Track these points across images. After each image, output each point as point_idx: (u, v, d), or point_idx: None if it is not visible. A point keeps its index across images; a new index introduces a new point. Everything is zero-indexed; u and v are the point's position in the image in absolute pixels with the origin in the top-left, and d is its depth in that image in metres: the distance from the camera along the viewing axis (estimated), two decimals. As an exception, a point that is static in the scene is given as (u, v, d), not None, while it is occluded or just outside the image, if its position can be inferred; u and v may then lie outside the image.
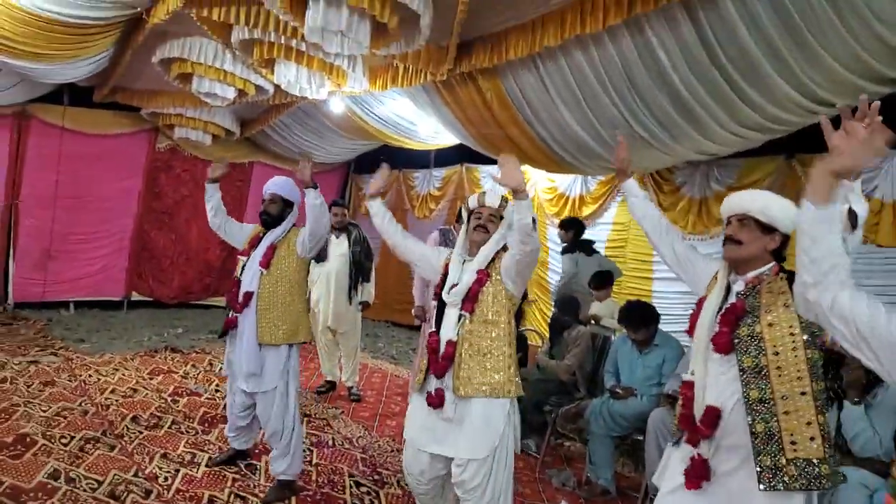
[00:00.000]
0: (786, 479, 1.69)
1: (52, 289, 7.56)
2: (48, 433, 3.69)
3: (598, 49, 3.94)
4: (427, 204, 8.56)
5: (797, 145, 4.54)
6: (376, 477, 3.61)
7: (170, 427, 4.06)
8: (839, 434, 2.85)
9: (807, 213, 1.39)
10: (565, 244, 5.62)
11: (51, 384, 4.66)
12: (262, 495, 3.23)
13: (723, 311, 1.90)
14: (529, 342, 5.31)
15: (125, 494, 3.06)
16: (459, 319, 2.40)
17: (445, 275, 2.52)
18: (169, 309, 8.42)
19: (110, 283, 8.09)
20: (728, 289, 1.95)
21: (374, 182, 2.82)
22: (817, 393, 1.74)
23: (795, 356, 1.74)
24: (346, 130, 7.52)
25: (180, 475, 3.35)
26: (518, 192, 2.20)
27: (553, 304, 5.73)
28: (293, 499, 3.23)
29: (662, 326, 3.72)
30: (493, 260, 2.47)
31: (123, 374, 5.18)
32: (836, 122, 1.41)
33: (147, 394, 4.71)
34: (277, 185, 3.42)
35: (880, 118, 1.35)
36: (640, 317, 3.67)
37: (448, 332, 2.41)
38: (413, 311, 4.74)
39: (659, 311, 3.76)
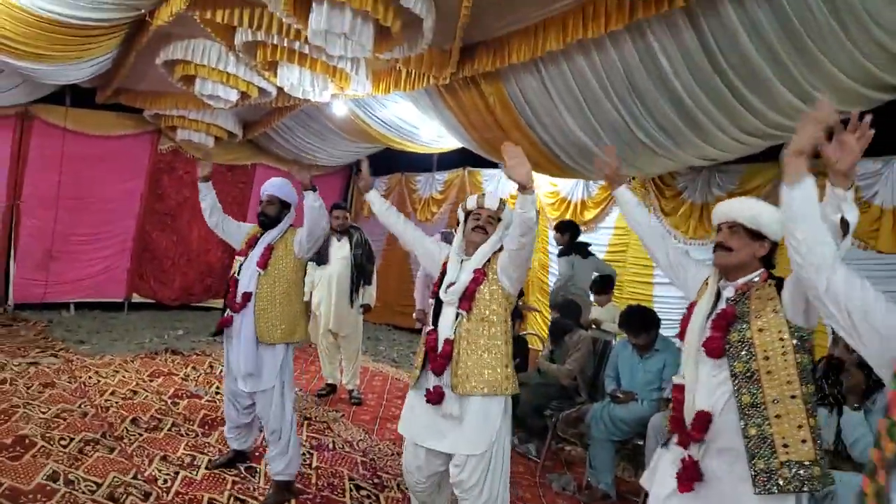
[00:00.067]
0: (780, 481, 1.72)
1: (52, 290, 7.57)
2: (47, 435, 3.68)
3: (600, 54, 3.95)
4: (429, 207, 8.57)
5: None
6: (376, 480, 3.60)
7: (170, 429, 4.05)
8: (839, 439, 2.84)
9: (785, 196, 1.49)
10: (561, 247, 5.63)
11: (51, 386, 4.66)
12: (261, 498, 3.23)
13: (714, 316, 1.94)
14: (530, 346, 5.30)
15: (124, 497, 3.05)
16: (457, 318, 2.44)
17: (443, 274, 2.55)
18: (170, 311, 8.43)
19: (111, 285, 8.10)
20: (718, 294, 1.99)
21: (363, 177, 2.91)
22: (807, 396, 1.77)
23: (785, 360, 1.77)
24: (348, 133, 7.53)
25: (180, 477, 3.35)
26: (525, 188, 2.21)
27: (549, 306, 5.73)
28: (293, 501, 3.23)
29: (663, 331, 3.72)
30: (489, 260, 2.49)
31: (123, 376, 5.18)
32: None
33: (147, 396, 4.71)
34: (275, 186, 3.44)
35: (872, 131, 1.44)
36: (641, 321, 3.66)
37: (446, 330, 2.45)
38: (414, 314, 4.75)
39: (660, 316, 3.75)
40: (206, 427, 4.17)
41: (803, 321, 1.79)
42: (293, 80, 4.86)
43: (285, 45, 4.52)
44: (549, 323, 5.77)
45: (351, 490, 3.44)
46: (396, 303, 8.52)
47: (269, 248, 3.32)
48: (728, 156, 4.53)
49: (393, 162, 8.92)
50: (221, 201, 3.66)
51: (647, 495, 2.11)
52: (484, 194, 2.62)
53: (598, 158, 2.46)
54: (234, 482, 3.38)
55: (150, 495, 3.10)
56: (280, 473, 3.25)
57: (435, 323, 2.52)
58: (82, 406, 4.29)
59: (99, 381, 4.94)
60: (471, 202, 2.62)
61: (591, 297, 5.40)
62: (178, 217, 8.46)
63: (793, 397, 1.75)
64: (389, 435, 4.38)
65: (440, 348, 2.43)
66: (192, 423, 4.23)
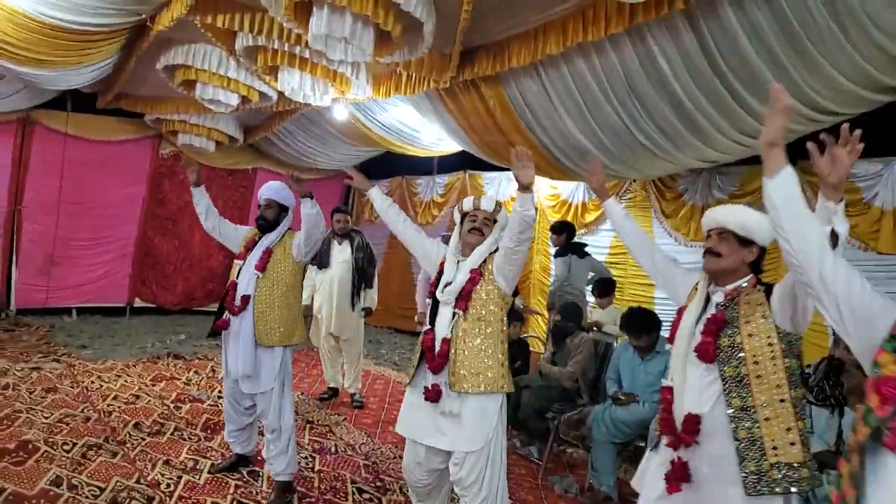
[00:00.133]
0: (769, 482, 1.76)
1: (54, 295, 7.57)
2: (50, 440, 3.69)
3: (599, 57, 3.96)
4: (430, 210, 8.58)
5: (798, 153, 4.54)
6: (378, 483, 3.60)
7: (172, 434, 4.06)
8: (841, 440, 2.85)
9: (767, 188, 1.51)
10: (557, 248, 5.64)
11: (53, 391, 4.66)
12: (264, 502, 3.23)
13: (704, 321, 1.98)
14: (531, 349, 5.31)
15: (127, 501, 3.05)
16: (453, 317, 2.48)
17: (440, 274, 2.60)
18: (172, 315, 8.43)
19: (113, 290, 8.11)
20: (707, 299, 2.04)
21: (357, 181, 2.98)
22: (795, 400, 1.81)
23: (774, 365, 1.82)
24: (349, 137, 7.55)
25: (183, 482, 3.35)
26: (527, 188, 2.27)
27: (547, 307, 5.75)
28: (294, 501, 3.26)
29: (664, 333, 3.72)
30: (485, 260, 2.54)
31: (126, 381, 5.18)
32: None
33: (149, 400, 4.72)
34: (273, 190, 3.46)
35: (862, 145, 1.47)
36: (642, 323, 3.67)
37: (443, 329, 2.50)
38: (416, 317, 4.75)
39: (661, 318, 3.76)
40: (209, 431, 4.18)
41: (791, 326, 1.83)
42: (294, 84, 4.88)
43: (286, 49, 4.53)
44: (547, 324, 5.80)
45: (353, 493, 3.44)
46: (398, 306, 8.52)
47: (268, 252, 3.35)
48: (728, 158, 4.53)
49: (394, 165, 8.94)
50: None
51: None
52: (480, 196, 2.67)
53: (585, 172, 2.52)
54: (236, 486, 3.38)
55: (153, 500, 3.10)
56: (281, 474, 3.28)
57: (432, 322, 2.57)
58: (85, 411, 4.29)
59: (101, 386, 4.94)
60: (467, 204, 2.66)
61: (593, 300, 5.41)
62: (180, 222, 8.47)
63: (781, 401, 1.80)
64: (391, 438, 4.38)
65: (437, 348, 2.48)
66: (194, 427, 4.23)
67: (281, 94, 5.50)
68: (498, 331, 2.50)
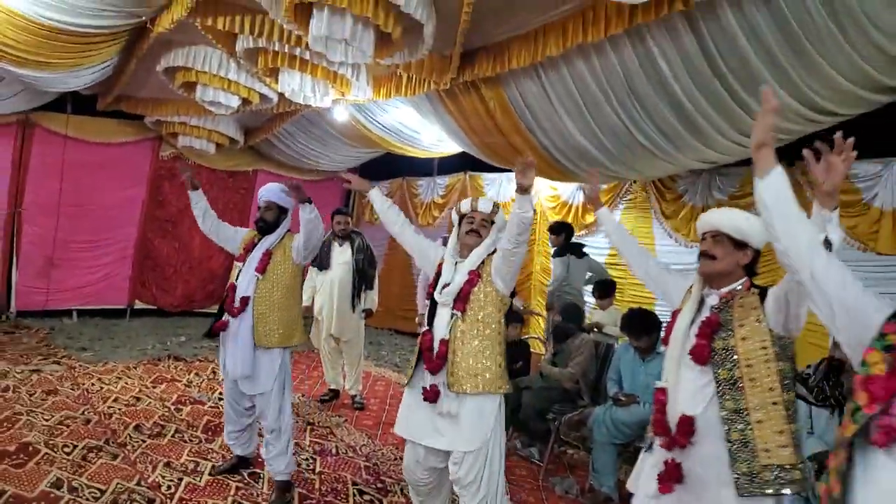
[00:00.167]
0: (761, 484, 1.78)
1: (54, 297, 7.57)
2: (51, 442, 3.68)
3: (599, 58, 3.97)
4: (430, 212, 8.58)
5: (798, 153, 4.53)
6: (379, 485, 3.60)
7: (173, 436, 4.05)
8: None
9: (758, 188, 1.54)
10: (555, 248, 5.65)
11: (53, 393, 4.66)
12: (265, 504, 3.24)
13: (699, 323, 1.99)
14: (532, 350, 5.31)
15: (128, 503, 3.05)
16: (452, 318, 2.51)
17: (438, 275, 2.62)
18: (172, 317, 8.42)
19: (113, 292, 8.10)
20: (701, 302, 2.06)
21: (355, 183, 3.02)
22: (788, 403, 1.83)
23: (767, 368, 1.83)
24: (349, 139, 7.55)
25: (183, 484, 3.35)
26: (526, 191, 2.33)
27: (546, 307, 5.76)
28: (295, 499, 3.29)
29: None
30: (483, 262, 2.56)
31: (126, 383, 5.18)
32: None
33: (150, 402, 4.71)
34: (272, 192, 3.47)
35: (855, 153, 1.49)
36: (642, 324, 3.67)
37: (441, 330, 2.52)
38: (417, 319, 4.74)
39: (661, 319, 3.75)
40: (210, 433, 4.17)
41: (784, 330, 1.85)
42: (294, 85, 4.88)
43: (286, 51, 4.54)
44: (546, 324, 5.80)
45: (354, 495, 3.44)
46: (398, 307, 8.52)
47: (268, 254, 3.36)
48: (728, 159, 4.54)
49: (394, 167, 8.95)
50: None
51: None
52: (478, 198, 2.70)
53: (584, 183, 2.62)
54: (237, 488, 3.38)
55: (153, 502, 3.10)
56: (280, 473, 3.31)
57: (430, 323, 2.59)
58: (85, 413, 4.29)
59: (102, 388, 4.94)
60: (465, 205, 2.69)
61: (594, 301, 5.41)
62: (180, 224, 8.46)
63: (774, 404, 1.82)
64: (392, 439, 4.37)
65: (436, 349, 2.50)
66: (195, 429, 4.23)
67: (281, 95, 5.51)
68: (496, 332, 2.53)
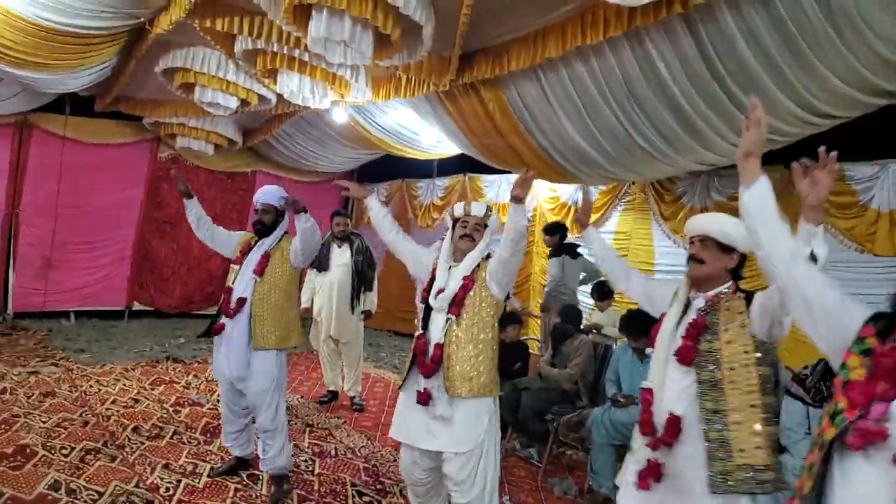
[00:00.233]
0: (733, 483, 1.82)
1: (52, 298, 7.55)
2: (48, 444, 3.68)
3: (598, 60, 3.98)
4: (430, 213, 8.58)
5: (796, 156, 4.55)
6: (378, 486, 3.60)
7: (171, 437, 4.05)
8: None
9: (744, 197, 1.58)
10: (550, 248, 5.66)
11: (51, 395, 4.65)
12: (264, 505, 3.24)
13: (685, 325, 2.04)
14: (531, 351, 5.31)
15: (127, 505, 3.05)
16: (447, 322, 2.53)
17: (432, 279, 2.65)
18: (170, 319, 8.41)
19: (111, 293, 8.09)
20: (688, 304, 2.11)
21: (355, 189, 3.07)
22: (766, 406, 1.87)
23: (748, 372, 1.88)
24: (348, 140, 7.55)
25: (182, 486, 3.34)
26: (521, 201, 2.39)
27: (541, 308, 5.77)
28: (293, 491, 3.35)
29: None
30: (478, 266, 2.60)
31: (124, 385, 5.17)
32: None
33: (148, 404, 4.70)
34: (269, 194, 3.48)
35: (838, 166, 1.53)
36: (641, 325, 3.66)
37: (436, 334, 2.56)
38: (416, 320, 4.73)
39: (659, 321, 3.76)
40: (208, 435, 4.17)
41: (768, 337, 1.89)
42: (293, 87, 4.88)
43: (285, 52, 4.54)
44: (542, 326, 5.80)
45: (353, 496, 3.44)
46: (398, 309, 8.51)
47: (266, 256, 3.37)
48: (726, 161, 4.55)
49: (393, 168, 8.95)
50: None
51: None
52: (471, 202, 2.74)
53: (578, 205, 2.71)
54: (236, 489, 3.37)
55: (152, 503, 3.11)
56: (278, 468, 3.35)
57: (424, 327, 2.62)
58: (83, 415, 4.28)
59: (100, 390, 4.93)
60: (458, 209, 2.72)
61: (592, 302, 5.42)
62: (178, 225, 8.43)
63: (752, 406, 1.86)
64: (391, 441, 4.36)
65: (430, 352, 2.54)
66: (193, 431, 4.22)
67: (280, 96, 5.51)
68: (490, 336, 2.56)
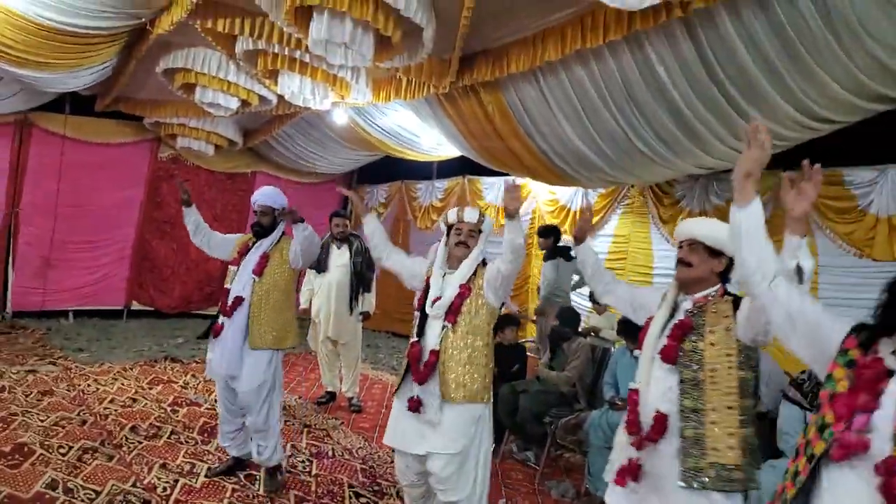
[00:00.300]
0: (704, 479, 1.86)
1: (51, 298, 7.55)
2: (46, 443, 3.68)
3: (598, 64, 3.98)
4: (429, 215, 8.58)
5: (795, 160, 4.56)
6: (376, 488, 3.60)
7: (169, 437, 4.05)
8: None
9: (735, 216, 1.60)
10: (545, 251, 5.67)
11: (49, 394, 4.65)
12: (261, 506, 3.25)
13: (672, 326, 2.07)
14: (528, 354, 5.31)
15: (124, 504, 3.05)
16: (443, 330, 2.56)
17: (427, 287, 2.67)
18: (169, 319, 8.41)
19: (110, 293, 8.09)
20: (675, 307, 2.14)
21: (356, 202, 3.05)
22: (744, 409, 1.91)
23: (729, 375, 1.92)
24: (349, 141, 7.56)
25: (179, 485, 3.34)
26: (513, 217, 2.43)
27: (536, 311, 5.77)
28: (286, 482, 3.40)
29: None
30: (475, 273, 2.61)
31: (123, 384, 5.17)
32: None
33: (146, 404, 4.70)
34: (267, 195, 3.50)
35: (821, 177, 1.55)
36: (639, 328, 3.67)
37: (432, 341, 2.58)
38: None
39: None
40: (206, 435, 4.17)
41: (752, 342, 1.92)
42: (294, 88, 4.89)
43: (286, 53, 4.55)
44: (538, 329, 5.81)
45: (350, 497, 3.44)
46: (396, 310, 8.50)
47: (265, 256, 3.39)
48: (725, 164, 4.55)
49: (393, 170, 8.96)
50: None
51: None
52: (464, 207, 2.75)
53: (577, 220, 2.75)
54: (233, 490, 3.37)
55: (149, 503, 3.10)
56: (272, 461, 3.40)
57: (419, 334, 2.64)
58: (81, 414, 4.28)
59: (98, 389, 4.93)
60: (451, 216, 2.72)
61: (590, 305, 5.42)
62: (178, 225, 8.41)
63: (730, 408, 1.90)
64: (389, 443, 4.37)
65: (425, 359, 2.57)
66: (191, 430, 4.22)
67: (281, 97, 5.51)
68: (484, 344, 2.59)
